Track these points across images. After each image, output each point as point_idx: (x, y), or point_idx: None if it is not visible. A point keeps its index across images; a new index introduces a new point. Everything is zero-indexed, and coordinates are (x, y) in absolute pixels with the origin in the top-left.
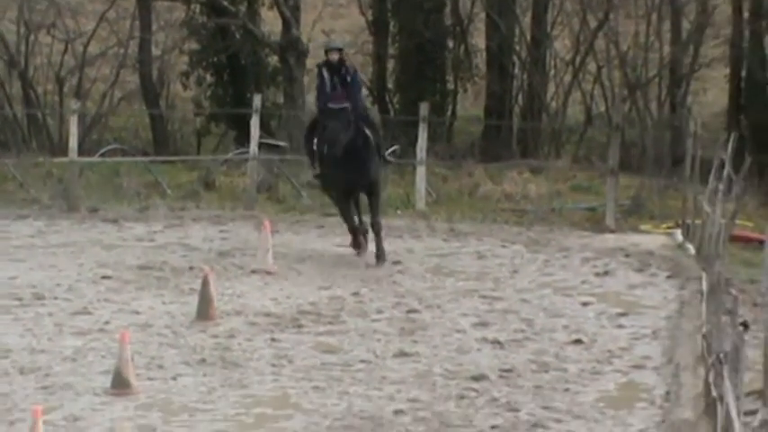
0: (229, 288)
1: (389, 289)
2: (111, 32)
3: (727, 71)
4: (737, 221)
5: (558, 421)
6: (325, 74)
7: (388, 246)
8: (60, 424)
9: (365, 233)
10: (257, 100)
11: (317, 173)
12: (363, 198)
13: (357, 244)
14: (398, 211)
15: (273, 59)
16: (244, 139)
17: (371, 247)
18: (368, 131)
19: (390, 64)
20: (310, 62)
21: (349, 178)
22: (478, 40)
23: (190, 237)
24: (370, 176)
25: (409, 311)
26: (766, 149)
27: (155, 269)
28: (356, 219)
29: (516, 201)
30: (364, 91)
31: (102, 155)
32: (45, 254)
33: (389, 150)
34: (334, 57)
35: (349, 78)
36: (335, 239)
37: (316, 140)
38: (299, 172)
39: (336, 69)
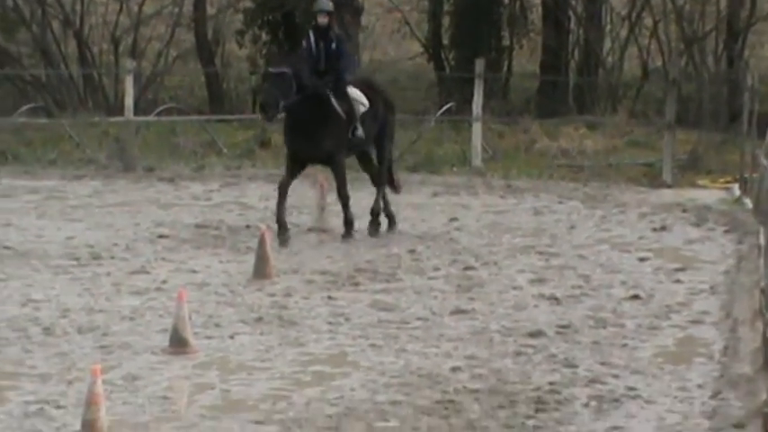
0: (286, 247)
1: (446, 246)
2: None
3: None
4: None
5: (616, 377)
6: (312, 38)
7: (444, 201)
8: (118, 383)
9: (377, 214)
10: None
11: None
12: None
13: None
14: (455, 168)
15: None
16: None
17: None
18: (336, 105)
19: (446, 20)
20: (365, 19)
21: (300, 147)
22: None
23: (246, 195)
24: (325, 149)
25: (466, 268)
26: None
27: (211, 228)
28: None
29: (573, 156)
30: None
31: (158, 114)
32: (102, 213)
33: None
34: (323, 20)
35: (334, 46)
36: (392, 196)
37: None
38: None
39: (323, 34)
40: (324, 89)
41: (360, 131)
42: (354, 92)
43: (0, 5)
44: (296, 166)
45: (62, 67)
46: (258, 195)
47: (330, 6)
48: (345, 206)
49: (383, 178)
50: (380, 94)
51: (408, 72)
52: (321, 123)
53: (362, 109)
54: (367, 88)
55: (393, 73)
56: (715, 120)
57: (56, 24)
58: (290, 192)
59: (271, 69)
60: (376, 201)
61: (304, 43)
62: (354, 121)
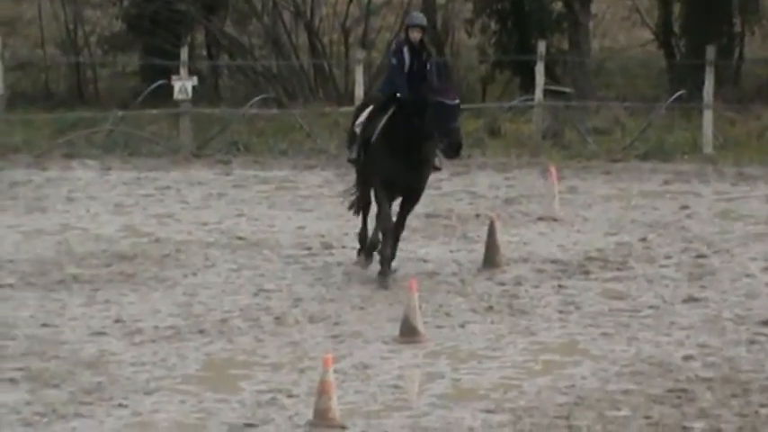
0: (516, 235)
1: (677, 234)
2: None
3: None
4: None
5: None
6: (406, 54)
7: (675, 189)
8: (350, 372)
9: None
10: (542, 46)
11: (354, 158)
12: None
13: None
14: (686, 156)
15: (558, 5)
16: (529, 85)
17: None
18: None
19: (676, 7)
20: (596, 7)
21: (398, 174)
22: None
23: (476, 184)
24: (422, 183)
25: (698, 256)
26: None
27: (441, 217)
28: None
29: None
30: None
31: None
32: (333, 204)
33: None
34: (417, 36)
35: (429, 66)
36: (621, 185)
37: (360, 122)
38: (585, 118)
39: (417, 52)
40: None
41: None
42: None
43: None
44: (389, 199)
45: (293, 57)
46: (488, 184)
47: (425, 21)
48: (396, 242)
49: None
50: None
51: (638, 59)
52: (427, 152)
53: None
54: None
55: (623, 60)
56: None
57: (287, 16)
58: (521, 180)
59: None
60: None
61: (394, 60)
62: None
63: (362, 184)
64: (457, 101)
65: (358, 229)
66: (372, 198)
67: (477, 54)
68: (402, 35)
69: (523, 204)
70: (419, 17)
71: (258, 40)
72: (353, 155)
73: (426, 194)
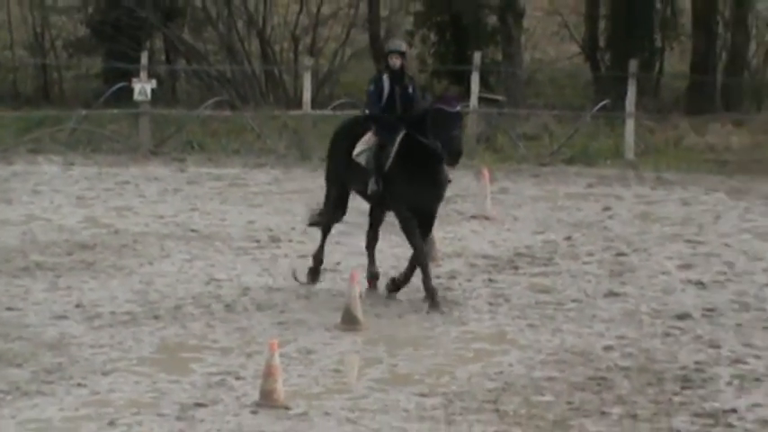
0: (450, 232)
1: (599, 233)
2: None
3: None
4: None
5: (758, 357)
6: (385, 82)
7: (598, 191)
8: (294, 356)
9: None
10: (477, 57)
11: (375, 189)
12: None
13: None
14: (608, 161)
15: (493, 19)
16: (464, 93)
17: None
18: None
19: (602, 24)
20: (527, 22)
21: (421, 194)
22: (684, 0)
23: None
24: (440, 201)
25: (618, 254)
26: None
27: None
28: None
29: (719, 152)
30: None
31: (334, 108)
32: (281, 200)
33: (598, 107)
34: (396, 62)
35: (410, 90)
36: (548, 187)
37: (362, 151)
38: (516, 124)
39: (397, 77)
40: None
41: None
42: None
43: (189, 6)
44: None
45: (245, 63)
46: None
47: (404, 47)
48: (428, 271)
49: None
50: None
51: (566, 71)
52: (440, 172)
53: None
54: None
55: (552, 72)
56: None
57: (240, 24)
58: (456, 181)
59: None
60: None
61: (372, 87)
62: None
63: (333, 209)
64: (458, 108)
65: (314, 251)
66: (403, 229)
67: (417, 63)
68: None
69: (458, 203)
70: (397, 44)
71: (213, 47)
72: (375, 186)
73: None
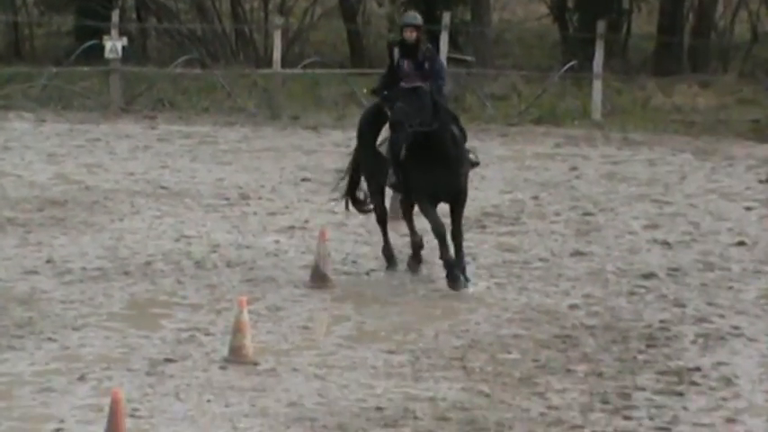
0: None
1: (566, 193)
2: None
3: None
4: None
5: (722, 316)
6: (397, 55)
7: (565, 151)
8: (263, 313)
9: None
10: (446, 17)
11: (394, 181)
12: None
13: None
14: (576, 122)
15: None
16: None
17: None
18: (454, 127)
19: None
20: None
21: (436, 182)
22: None
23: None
24: (459, 184)
25: (584, 214)
26: None
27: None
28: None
29: (686, 112)
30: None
31: (304, 67)
32: (250, 158)
33: (566, 67)
34: (411, 36)
35: (427, 65)
36: (516, 147)
37: (384, 141)
38: (485, 84)
39: (412, 52)
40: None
41: (472, 156)
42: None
43: None
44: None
45: (216, 22)
46: None
47: (419, 20)
48: (461, 250)
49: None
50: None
51: (535, 32)
52: (452, 152)
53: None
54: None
55: (520, 32)
56: None
57: None
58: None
59: (403, 86)
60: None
61: (388, 61)
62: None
63: (379, 198)
64: (417, 84)
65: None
66: (421, 211)
67: (386, 23)
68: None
69: None
70: (412, 16)
71: (184, 5)
72: (394, 179)
73: (336, 151)
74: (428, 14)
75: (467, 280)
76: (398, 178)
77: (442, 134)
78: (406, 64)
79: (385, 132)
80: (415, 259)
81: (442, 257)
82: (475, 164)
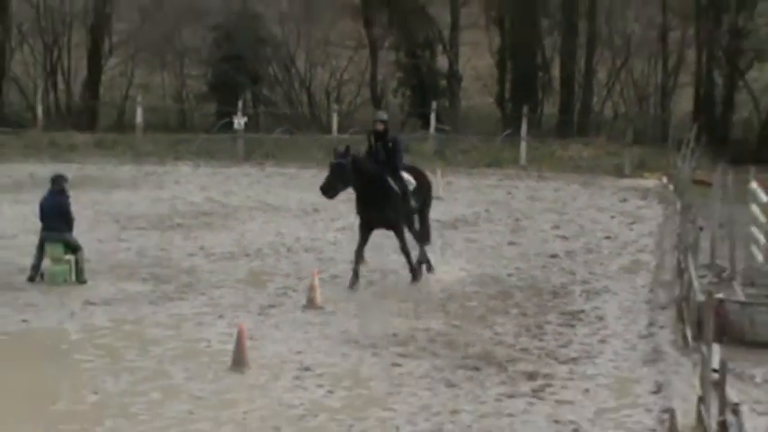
0: None
1: (505, 208)
2: None
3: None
4: (698, 172)
5: (598, 280)
6: (372, 140)
7: (504, 183)
8: (326, 279)
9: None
10: (434, 104)
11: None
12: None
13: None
14: (510, 166)
15: (443, 83)
16: (426, 125)
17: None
18: (393, 184)
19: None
20: (463, 83)
21: (370, 216)
22: (555, 70)
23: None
24: (389, 217)
25: (516, 220)
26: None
27: None
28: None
29: (575, 160)
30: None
31: (350, 133)
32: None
33: (504, 134)
34: (380, 127)
35: (390, 145)
36: (475, 180)
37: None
38: (456, 144)
39: (381, 136)
40: (383, 173)
41: (412, 202)
42: (405, 175)
43: (266, 73)
44: (366, 231)
45: (299, 107)
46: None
47: (385, 117)
48: (408, 258)
49: (425, 236)
50: (423, 177)
51: (486, 112)
52: (384, 198)
53: (411, 187)
54: (413, 172)
55: (477, 113)
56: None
57: (296, 84)
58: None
59: (332, 161)
60: (421, 253)
61: (367, 144)
62: (407, 195)
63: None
64: (338, 161)
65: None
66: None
67: (399, 108)
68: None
69: None
70: (381, 114)
71: (281, 98)
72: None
73: None
74: (423, 102)
75: (428, 270)
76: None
77: (379, 186)
78: (377, 145)
79: None
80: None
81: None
82: (414, 207)
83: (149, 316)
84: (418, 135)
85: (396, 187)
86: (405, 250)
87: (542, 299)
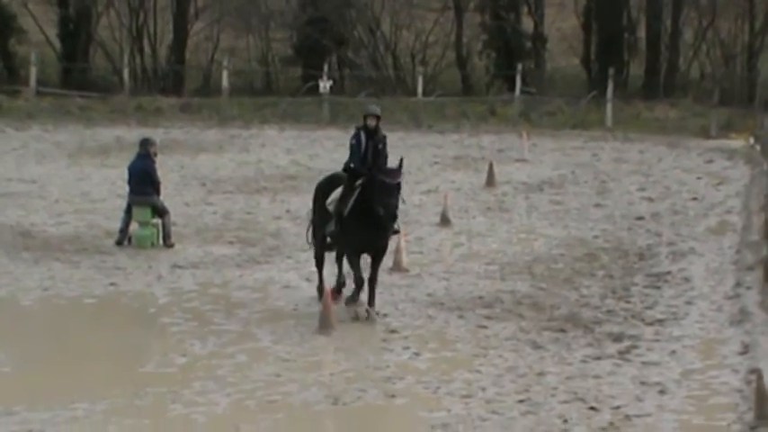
0: (503, 170)
1: (591, 170)
2: None
3: None
4: None
5: (684, 241)
6: (362, 137)
7: (590, 145)
8: (412, 241)
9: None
10: (519, 66)
11: (333, 230)
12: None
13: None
14: (596, 128)
15: (528, 44)
16: (512, 87)
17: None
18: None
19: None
20: (549, 45)
21: (366, 240)
22: (641, 31)
23: (482, 141)
24: (385, 242)
25: (602, 182)
26: None
27: (464, 158)
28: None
29: (661, 121)
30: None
31: (435, 96)
32: (405, 149)
33: (590, 96)
34: (371, 123)
35: (380, 146)
36: (560, 142)
37: (332, 200)
38: (541, 106)
39: (371, 134)
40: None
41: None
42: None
43: (351, 35)
44: (360, 254)
45: (383, 70)
46: (489, 141)
47: (378, 111)
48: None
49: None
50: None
51: (571, 74)
52: (387, 221)
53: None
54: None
55: (563, 74)
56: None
57: (381, 47)
58: None
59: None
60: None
61: (353, 141)
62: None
63: (320, 245)
64: (397, 181)
65: (316, 284)
66: (345, 259)
67: (484, 70)
68: (360, 123)
69: (506, 152)
70: (374, 108)
71: (365, 60)
72: (332, 228)
73: (455, 146)
74: (509, 64)
75: (376, 314)
76: (337, 229)
77: (379, 213)
78: (368, 144)
79: (334, 195)
80: (354, 299)
81: (352, 299)
82: (396, 232)
83: (236, 279)
84: (504, 97)
85: (394, 204)
86: (376, 281)
87: (628, 261)
